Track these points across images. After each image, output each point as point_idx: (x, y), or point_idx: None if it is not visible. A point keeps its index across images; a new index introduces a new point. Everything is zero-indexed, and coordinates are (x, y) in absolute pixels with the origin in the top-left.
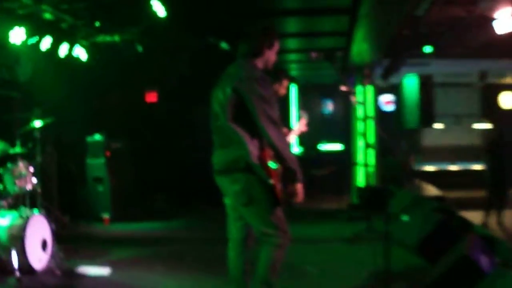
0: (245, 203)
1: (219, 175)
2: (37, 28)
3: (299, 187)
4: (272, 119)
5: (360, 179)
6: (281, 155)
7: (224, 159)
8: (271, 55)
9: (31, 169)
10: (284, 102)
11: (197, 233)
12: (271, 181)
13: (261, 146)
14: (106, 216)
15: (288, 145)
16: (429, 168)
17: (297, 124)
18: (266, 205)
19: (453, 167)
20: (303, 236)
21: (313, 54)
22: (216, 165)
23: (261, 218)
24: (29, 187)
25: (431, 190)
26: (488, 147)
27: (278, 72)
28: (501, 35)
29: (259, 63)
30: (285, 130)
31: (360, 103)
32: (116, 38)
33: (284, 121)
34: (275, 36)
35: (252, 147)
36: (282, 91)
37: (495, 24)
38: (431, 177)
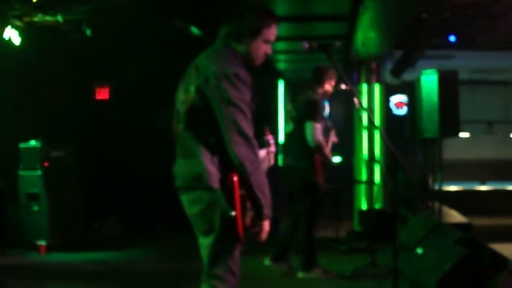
0: (205, 231)
1: (180, 193)
2: None
3: (265, 225)
4: (244, 133)
5: (363, 201)
6: (248, 180)
7: (185, 172)
8: (255, 45)
9: None
10: (269, 101)
11: (158, 267)
12: (234, 213)
13: (226, 166)
14: (42, 243)
15: (259, 168)
16: (452, 188)
17: (329, 136)
18: (226, 240)
19: (483, 188)
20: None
21: (305, 45)
22: (177, 180)
23: (214, 253)
24: None
25: (454, 216)
26: None
27: (322, 68)
28: None
29: (239, 54)
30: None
31: (363, 107)
32: (59, 18)
33: (271, 124)
34: (264, 19)
35: (212, 167)
36: (329, 89)
37: None
38: (454, 200)
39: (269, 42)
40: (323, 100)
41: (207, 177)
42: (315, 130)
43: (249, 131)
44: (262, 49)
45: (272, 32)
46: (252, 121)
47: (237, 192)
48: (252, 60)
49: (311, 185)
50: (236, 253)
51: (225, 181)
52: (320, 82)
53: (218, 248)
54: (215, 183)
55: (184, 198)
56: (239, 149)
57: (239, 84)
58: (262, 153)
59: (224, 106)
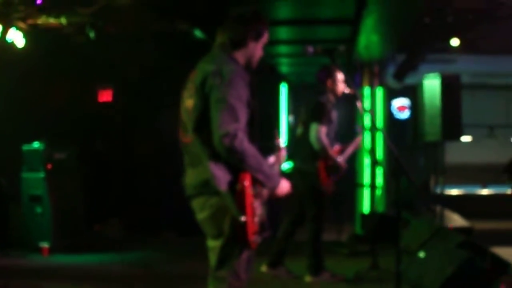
0: (215, 235)
1: (191, 200)
2: None
3: (281, 188)
4: (227, 130)
5: (366, 204)
6: (244, 168)
7: (193, 181)
8: (256, 49)
9: None
10: (272, 104)
11: (160, 269)
12: (243, 218)
13: (234, 168)
14: (45, 245)
15: (247, 154)
16: (454, 192)
17: (353, 142)
18: (234, 244)
19: (485, 191)
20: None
21: (310, 49)
22: (187, 189)
23: (221, 256)
24: None
25: (456, 220)
26: None
27: (326, 67)
28: None
29: (240, 57)
30: (336, 148)
31: (366, 111)
32: (63, 20)
33: (271, 129)
34: (264, 24)
35: (218, 171)
36: (340, 87)
37: None
38: (456, 203)
39: (264, 44)
40: (333, 103)
41: (214, 182)
42: (319, 133)
43: (235, 127)
44: (260, 51)
45: (267, 33)
46: (252, 119)
47: (248, 197)
48: (252, 63)
49: (315, 190)
50: (244, 257)
51: (235, 184)
52: (324, 82)
53: (226, 252)
54: (223, 186)
55: (194, 204)
56: (225, 144)
57: (235, 82)
58: (272, 159)
59: (217, 103)
